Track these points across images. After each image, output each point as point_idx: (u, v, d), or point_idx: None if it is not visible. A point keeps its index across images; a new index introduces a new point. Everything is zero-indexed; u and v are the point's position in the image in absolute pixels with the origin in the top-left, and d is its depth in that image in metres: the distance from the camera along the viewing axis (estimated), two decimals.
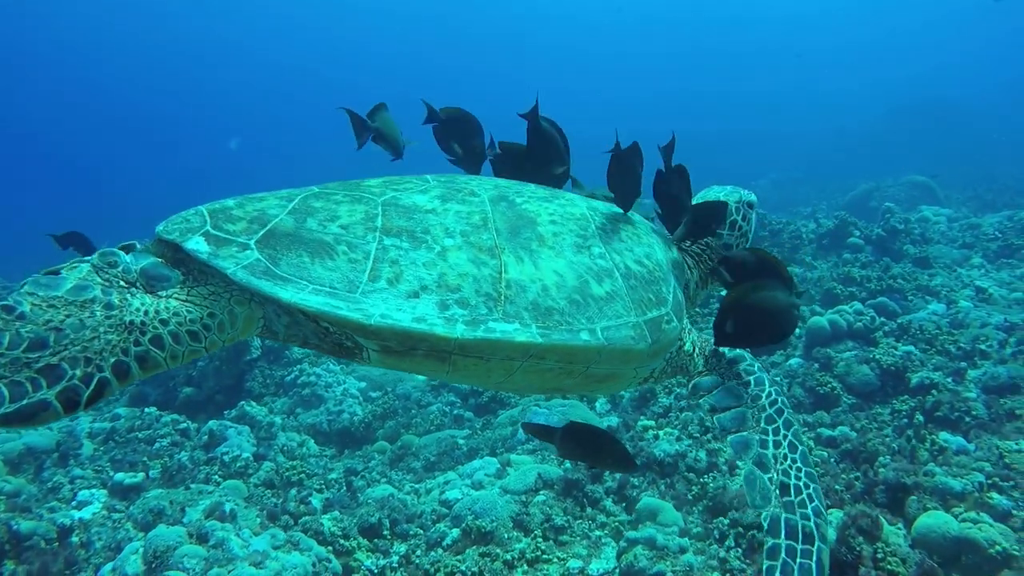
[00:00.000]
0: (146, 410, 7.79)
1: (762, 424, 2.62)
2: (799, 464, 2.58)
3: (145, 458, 6.60)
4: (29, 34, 53.35)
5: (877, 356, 7.13)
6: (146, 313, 2.01)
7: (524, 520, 5.11)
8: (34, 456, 7.21)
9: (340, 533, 4.85)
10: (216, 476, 5.92)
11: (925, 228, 12.42)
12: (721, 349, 2.97)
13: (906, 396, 6.74)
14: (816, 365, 7.34)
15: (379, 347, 2.18)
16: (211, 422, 7.28)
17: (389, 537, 4.98)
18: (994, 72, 48.07)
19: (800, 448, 2.60)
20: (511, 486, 5.52)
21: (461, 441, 7.16)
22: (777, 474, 2.53)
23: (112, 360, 1.90)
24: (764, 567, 2.41)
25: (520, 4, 66.07)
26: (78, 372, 1.82)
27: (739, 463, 2.75)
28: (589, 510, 5.40)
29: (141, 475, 5.88)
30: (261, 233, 2.16)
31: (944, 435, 5.73)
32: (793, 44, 57.87)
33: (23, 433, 7.76)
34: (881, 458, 5.51)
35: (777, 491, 2.50)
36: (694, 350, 2.90)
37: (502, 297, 2.22)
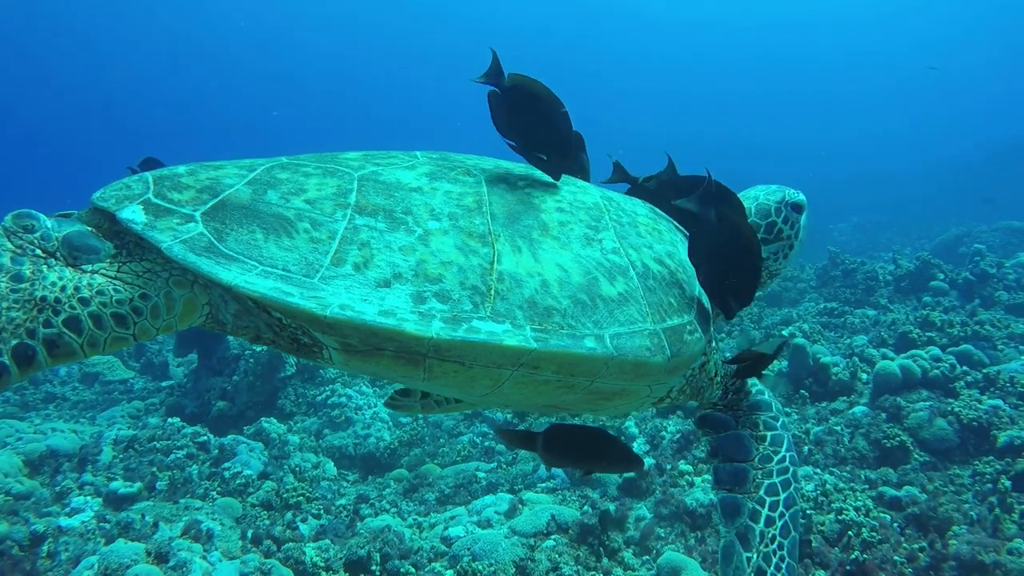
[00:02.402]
0: (168, 420, 7.66)
1: (761, 493, 2.31)
2: (784, 554, 2.27)
3: (155, 469, 6.40)
4: (26, 33, 54.46)
5: (957, 409, 6.22)
6: (63, 289, 1.70)
7: (528, 567, 4.54)
8: (56, 458, 7.17)
9: (323, 564, 4.43)
10: (214, 492, 5.63)
11: (1022, 274, 11.20)
12: (749, 386, 2.52)
13: (991, 457, 5.83)
14: (883, 415, 6.47)
15: (339, 345, 1.84)
16: (228, 436, 7.06)
17: (378, 573, 4.51)
18: None
19: (792, 534, 2.30)
20: (520, 527, 4.96)
21: (482, 475, 6.65)
22: (757, 556, 2.26)
23: (13, 343, 1.61)
24: None
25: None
26: None
27: (721, 528, 2.33)
28: (605, 561, 4.78)
29: (138, 485, 5.65)
30: (210, 204, 1.87)
31: None
32: (879, 79, 55.65)
33: (48, 434, 7.78)
34: (955, 528, 4.67)
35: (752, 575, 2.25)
36: (715, 374, 2.50)
37: (492, 292, 1.89)
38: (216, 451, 6.54)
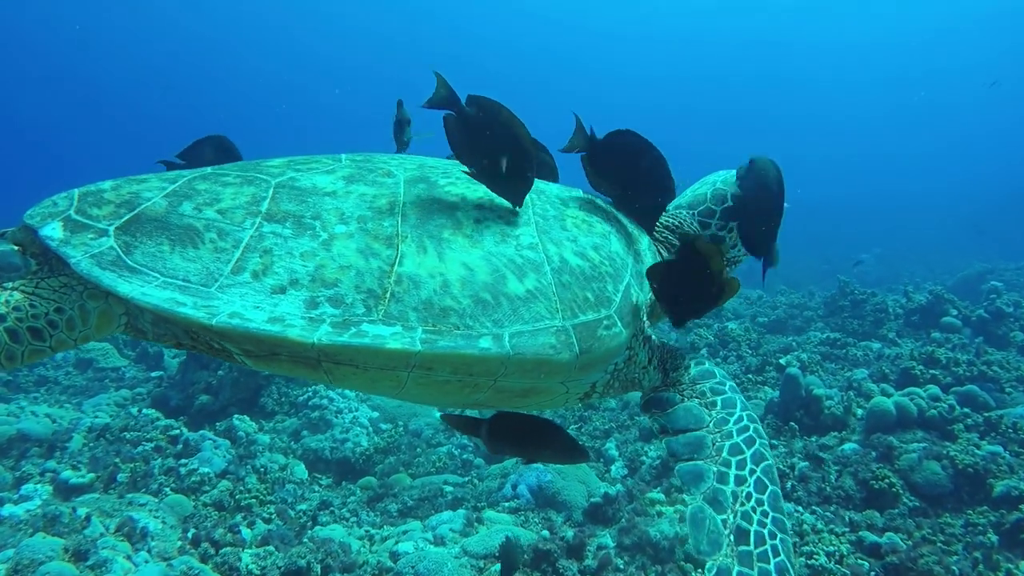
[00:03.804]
0: (143, 411, 7.53)
1: (724, 454, 2.14)
2: (766, 508, 2.05)
3: (118, 460, 6.25)
4: (25, 29, 54.53)
5: (953, 453, 5.87)
6: None
7: None
8: (25, 442, 7.07)
9: (258, 572, 4.22)
10: (168, 488, 5.46)
11: None
12: (687, 363, 2.43)
13: (986, 507, 5.48)
14: (874, 454, 6.14)
15: (240, 350, 1.92)
16: (196, 432, 6.91)
17: None
18: None
19: (770, 488, 2.09)
20: (472, 547, 4.72)
21: (449, 488, 6.42)
22: (735, 516, 2.03)
23: None
24: None
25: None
26: None
27: (686, 498, 2.05)
28: None
29: (90, 476, 5.50)
30: (126, 218, 1.95)
31: None
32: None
33: (21, 417, 7.70)
34: None
35: (732, 537, 1.99)
36: (650, 361, 2.42)
37: (387, 294, 1.91)
38: (181, 446, 6.39)
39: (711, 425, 2.22)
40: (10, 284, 1.89)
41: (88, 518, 4.25)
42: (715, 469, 2.11)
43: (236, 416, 7.55)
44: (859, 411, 6.96)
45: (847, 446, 6.44)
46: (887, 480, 5.77)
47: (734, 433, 2.18)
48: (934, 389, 6.66)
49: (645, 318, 2.35)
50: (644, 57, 66.34)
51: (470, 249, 2.03)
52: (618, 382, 2.34)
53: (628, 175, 2.41)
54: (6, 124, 59.58)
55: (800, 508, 5.77)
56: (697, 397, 2.32)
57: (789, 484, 6.03)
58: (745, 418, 2.22)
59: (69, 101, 59.22)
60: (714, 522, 2.02)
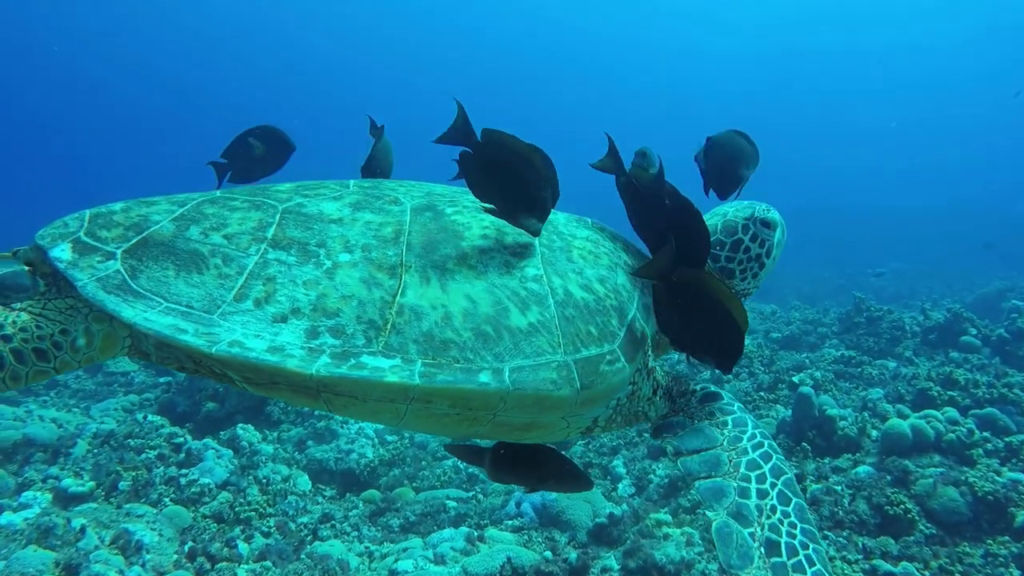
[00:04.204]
0: (148, 418, 7.50)
1: (743, 470, 2.11)
2: (794, 519, 2.02)
3: (120, 468, 6.22)
4: (29, 29, 54.38)
5: (971, 479, 5.68)
6: None
7: None
8: (30, 448, 7.05)
9: None
10: (167, 499, 5.40)
11: None
12: (693, 388, 2.46)
13: (1007, 538, 5.30)
14: (889, 478, 5.97)
15: (240, 377, 1.92)
16: (199, 441, 6.86)
17: None
18: None
19: (795, 501, 2.07)
20: (472, 567, 4.62)
21: (452, 504, 6.32)
22: (762, 529, 1.99)
23: None
24: None
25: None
26: None
27: (709, 514, 2.05)
28: None
29: (90, 485, 5.45)
30: (134, 241, 1.97)
31: None
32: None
33: (27, 422, 7.70)
34: None
35: (763, 550, 1.94)
36: (655, 393, 2.39)
37: (388, 325, 1.88)
38: (183, 455, 6.33)
39: (725, 443, 2.21)
40: (18, 305, 1.92)
41: (83, 530, 4.19)
42: (735, 484, 2.08)
43: (240, 425, 7.50)
44: (874, 432, 6.78)
45: (861, 469, 6.27)
46: (902, 506, 5.60)
47: (749, 449, 2.16)
48: (952, 412, 6.47)
49: (651, 351, 2.32)
50: (662, 64, 66.43)
51: (474, 280, 2.01)
52: (620, 416, 2.30)
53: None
54: (29, 128, 60.22)
55: None
56: (707, 418, 2.31)
57: None
58: (759, 435, 2.21)
59: (93, 106, 60.01)
60: (742, 536, 1.97)
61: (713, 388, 2.44)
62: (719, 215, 2.73)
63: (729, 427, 2.26)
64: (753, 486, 2.07)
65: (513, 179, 2.04)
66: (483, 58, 66.66)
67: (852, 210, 42.17)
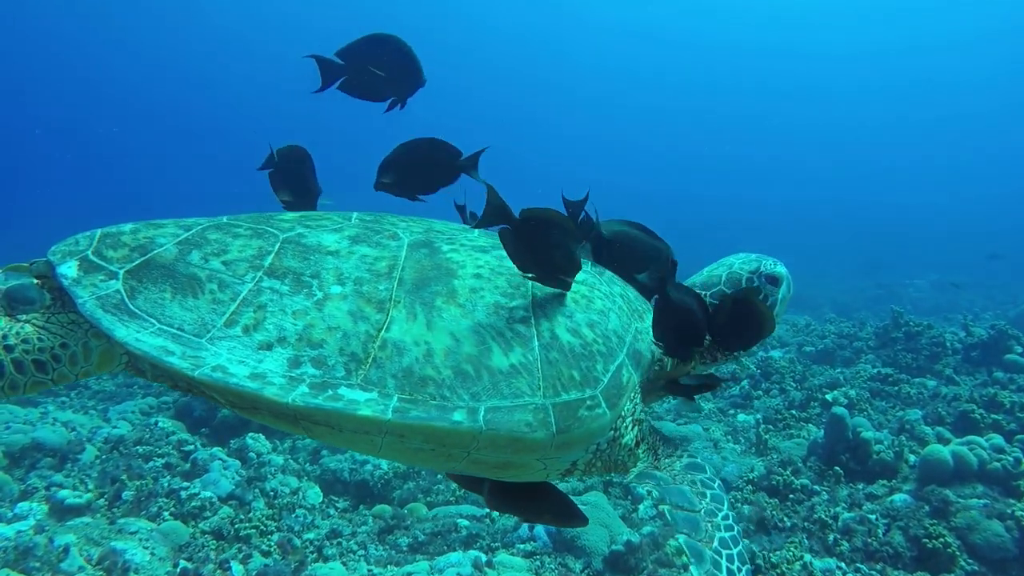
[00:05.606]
0: (159, 424, 7.39)
1: (716, 545, 2.20)
2: None
3: (125, 477, 6.08)
4: (40, 26, 54.67)
5: (1019, 513, 5.28)
6: None
7: None
8: (39, 452, 6.97)
9: None
10: (166, 513, 5.24)
11: None
12: (679, 454, 2.50)
13: None
14: (927, 508, 5.58)
15: (224, 401, 1.96)
16: (206, 451, 6.71)
17: None
18: None
19: None
20: None
21: (464, 523, 6.07)
22: None
23: None
24: None
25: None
26: None
27: (693, 569, 2.17)
28: None
29: (87, 496, 5.31)
30: (137, 263, 2.03)
31: None
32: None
33: (36, 426, 7.63)
34: None
35: None
36: (637, 444, 2.38)
37: (370, 359, 1.91)
38: (189, 465, 6.18)
39: (703, 512, 2.28)
40: (24, 316, 2.00)
41: (66, 550, 4.03)
42: (711, 554, 2.17)
43: (251, 435, 7.34)
44: (911, 457, 6.39)
45: (897, 497, 5.89)
46: (942, 539, 5.22)
47: (722, 527, 2.25)
48: (997, 439, 6.05)
49: (638, 399, 2.32)
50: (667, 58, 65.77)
51: (460, 319, 2.03)
52: (600, 462, 2.30)
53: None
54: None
55: (843, 565, 5.26)
56: (688, 484, 2.37)
57: (832, 537, 5.52)
58: (731, 517, 2.30)
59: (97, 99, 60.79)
60: None
61: (699, 460, 2.48)
62: (724, 266, 2.75)
63: (708, 500, 2.32)
64: (724, 563, 2.18)
65: (551, 247, 2.10)
66: (491, 53, 66.39)
67: (890, 219, 41.14)
